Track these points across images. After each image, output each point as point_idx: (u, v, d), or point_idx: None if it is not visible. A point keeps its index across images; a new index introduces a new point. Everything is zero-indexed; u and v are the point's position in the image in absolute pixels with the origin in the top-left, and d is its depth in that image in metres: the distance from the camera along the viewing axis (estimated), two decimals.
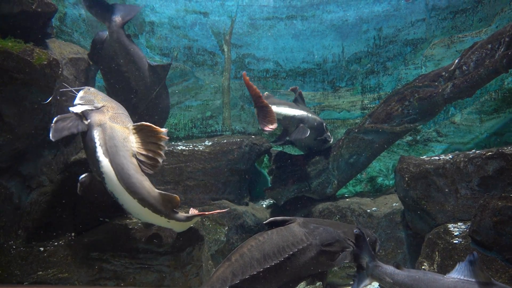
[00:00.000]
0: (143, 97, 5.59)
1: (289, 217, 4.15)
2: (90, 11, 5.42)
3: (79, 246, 3.81)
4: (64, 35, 6.33)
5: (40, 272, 3.65)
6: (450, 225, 4.31)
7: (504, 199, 3.52)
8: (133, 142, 3.67)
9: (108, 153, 3.52)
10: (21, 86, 3.53)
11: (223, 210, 4.58)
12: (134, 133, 3.73)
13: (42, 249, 3.74)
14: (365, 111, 7.24)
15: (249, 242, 3.87)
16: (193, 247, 4.18)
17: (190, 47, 7.28)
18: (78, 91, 3.97)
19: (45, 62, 3.71)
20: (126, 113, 4.04)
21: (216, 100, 7.42)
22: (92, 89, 4.11)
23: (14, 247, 3.71)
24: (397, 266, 3.20)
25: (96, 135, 3.59)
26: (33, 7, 3.88)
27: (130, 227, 4.14)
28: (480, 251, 3.61)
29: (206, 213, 4.00)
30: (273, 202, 6.59)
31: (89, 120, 3.68)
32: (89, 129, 3.63)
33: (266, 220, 4.12)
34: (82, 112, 3.73)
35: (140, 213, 3.64)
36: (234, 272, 3.64)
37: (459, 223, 4.33)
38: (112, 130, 3.62)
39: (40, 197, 4.06)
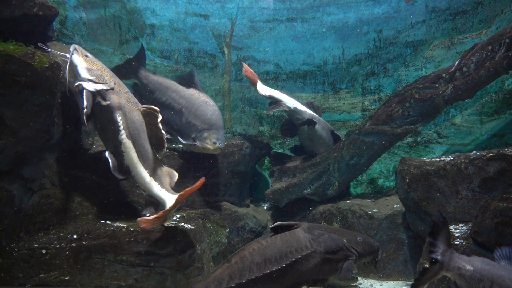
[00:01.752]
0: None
1: (294, 222, 4.15)
2: None
3: (81, 249, 3.82)
4: (65, 38, 6.36)
5: (42, 275, 3.65)
6: (451, 227, 4.31)
7: (505, 200, 3.52)
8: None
9: (131, 136, 4.14)
10: (23, 89, 3.53)
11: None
12: (143, 115, 4.29)
13: (44, 251, 3.74)
14: (366, 113, 7.24)
15: (251, 245, 3.86)
16: (194, 249, 4.18)
17: (190, 49, 7.30)
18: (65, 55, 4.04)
19: (47, 65, 3.73)
20: (128, 90, 4.43)
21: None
22: (83, 51, 4.16)
23: (16, 249, 3.71)
24: (468, 255, 2.93)
25: (119, 119, 4.06)
26: (34, 11, 3.90)
27: (131, 229, 4.14)
28: (481, 253, 3.61)
29: (190, 189, 3.93)
30: (274, 204, 6.60)
31: (108, 102, 4.01)
32: (110, 111, 4.02)
33: (267, 222, 4.12)
34: (97, 90, 3.97)
35: (146, 182, 4.23)
36: (231, 274, 3.62)
37: (460, 225, 4.33)
38: (131, 114, 4.17)
39: (42, 200, 4.06)
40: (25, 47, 3.64)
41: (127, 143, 4.12)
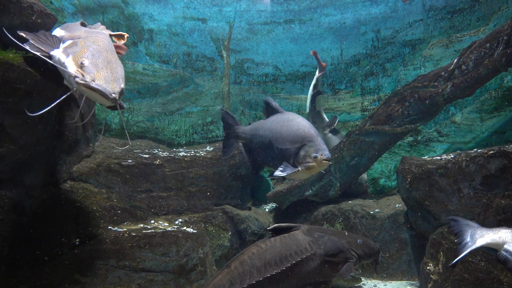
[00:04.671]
0: None
1: (293, 224, 4.12)
2: None
3: (83, 255, 3.82)
4: None
5: (45, 281, 3.65)
6: None
7: (507, 197, 3.51)
8: None
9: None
10: (23, 97, 3.54)
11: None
12: None
13: (46, 258, 3.74)
14: (365, 113, 7.25)
15: (250, 249, 3.83)
16: (197, 253, 4.18)
17: (189, 53, 7.32)
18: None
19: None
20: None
21: (216, 105, 7.44)
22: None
23: (18, 257, 3.71)
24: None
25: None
26: (33, 18, 3.91)
27: (133, 234, 4.14)
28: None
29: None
30: (276, 206, 6.59)
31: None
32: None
33: (269, 224, 4.10)
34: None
35: None
36: (232, 280, 3.59)
37: None
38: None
39: (43, 206, 4.07)
40: (25, 54, 3.64)
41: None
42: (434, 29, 6.85)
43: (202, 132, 7.35)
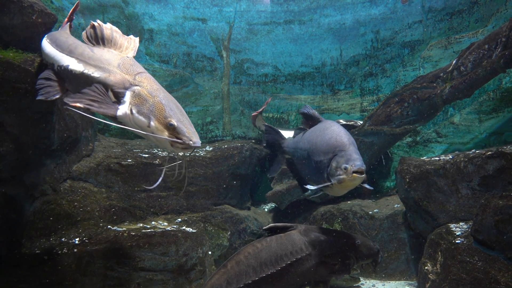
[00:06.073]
0: None
1: (290, 224, 4.12)
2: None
3: (83, 254, 3.82)
4: None
5: (45, 281, 3.65)
6: (452, 225, 4.32)
7: (505, 198, 3.53)
8: None
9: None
10: (23, 96, 3.55)
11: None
12: None
13: (46, 257, 3.75)
14: (365, 113, 7.26)
15: (246, 249, 3.83)
16: (196, 252, 4.19)
17: (189, 53, 7.33)
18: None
19: None
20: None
21: (216, 105, 7.45)
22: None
23: (18, 256, 3.71)
24: None
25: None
26: (34, 18, 3.91)
27: (133, 234, 4.15)
28: (483, 251, 3.62)
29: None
30: (275, 206, 6.60)
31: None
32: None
33: (268, 224, 4.10)
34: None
35: None
36: (228, 280, 3.60)
37: (460, 223, 4.34)
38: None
39: (43, 206, 4.07)
40: (25, 54, 3.65)
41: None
42: (433, 30, 6.88)
43: (202, 132, 7.36)
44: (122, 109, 2.79)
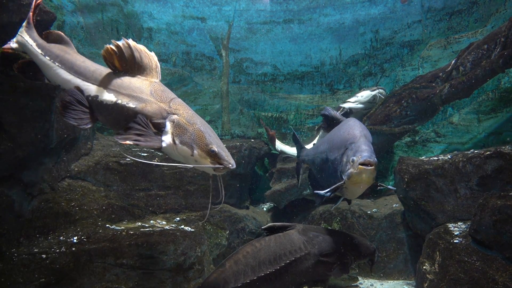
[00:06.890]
0: None
1: (288, 223, 4.12)
2: None
3: (81, 253, 3.82)
4: None
5: (43, 279, 3.65)
6: (450, 225, 4.33)
7: (503, 198, 3.53)
8: None
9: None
10: (22, 95, 3.54)
11: None
12: None
13: (44, 256, 3.74)
14: None
15: (245, 249, 3.83)
16: (194, 251, 4.19)
17: (188, 52, 7.32)
18: None
19: None
20: None
21: (215, 104, 7.45)
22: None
23: (16, 254, 3.71)
24: None
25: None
26: None
27: (131, 232, 4.14)
28: (481, 250, 3.62)
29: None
30: (274, 205, 6.60)
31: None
32: None
33: (266, 223, 4.10)
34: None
35: None
36: (226, 279, 3.60)
37: (459, 223, 4.35)
38: None
39: (42, 205, 4.07)
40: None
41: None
42: (433, 30, 6.88)
43: None
44: (166, 140, 2.82)
